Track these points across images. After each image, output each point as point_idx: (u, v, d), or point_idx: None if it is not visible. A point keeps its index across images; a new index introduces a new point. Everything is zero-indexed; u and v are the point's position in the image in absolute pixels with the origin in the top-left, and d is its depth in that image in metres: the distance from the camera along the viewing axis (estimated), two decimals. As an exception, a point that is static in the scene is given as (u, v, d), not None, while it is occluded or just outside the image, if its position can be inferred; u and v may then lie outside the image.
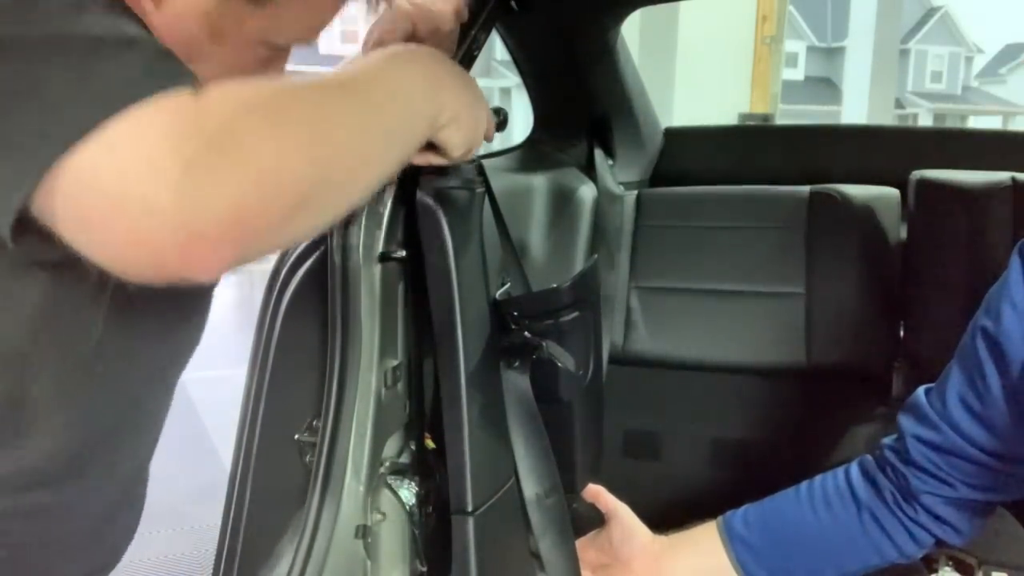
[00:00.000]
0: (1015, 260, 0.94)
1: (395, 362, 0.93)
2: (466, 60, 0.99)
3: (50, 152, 0.49)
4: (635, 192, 1.84)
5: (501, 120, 0.91)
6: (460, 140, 0.80)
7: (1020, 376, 0.92)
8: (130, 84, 0.52)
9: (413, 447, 0.99)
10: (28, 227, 0.53)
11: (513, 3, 1.08)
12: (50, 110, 0.50)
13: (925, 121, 28.46)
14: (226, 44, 0.70)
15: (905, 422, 1.03)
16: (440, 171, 0.92)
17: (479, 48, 1.01)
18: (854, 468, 1.06)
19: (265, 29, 0.71)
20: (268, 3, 0.69)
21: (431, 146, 0.80)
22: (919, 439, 1.00)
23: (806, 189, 1.73)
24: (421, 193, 0.92)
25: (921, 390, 1.03)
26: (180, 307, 0.82)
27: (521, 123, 1.77)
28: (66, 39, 0.52)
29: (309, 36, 0.76)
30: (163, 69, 0.55)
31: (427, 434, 0.99)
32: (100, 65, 0.52)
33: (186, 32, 0.68)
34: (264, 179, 0.54)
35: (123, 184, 0.50)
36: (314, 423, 0.92)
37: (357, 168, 0.64)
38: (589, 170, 1.77)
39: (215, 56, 0.71)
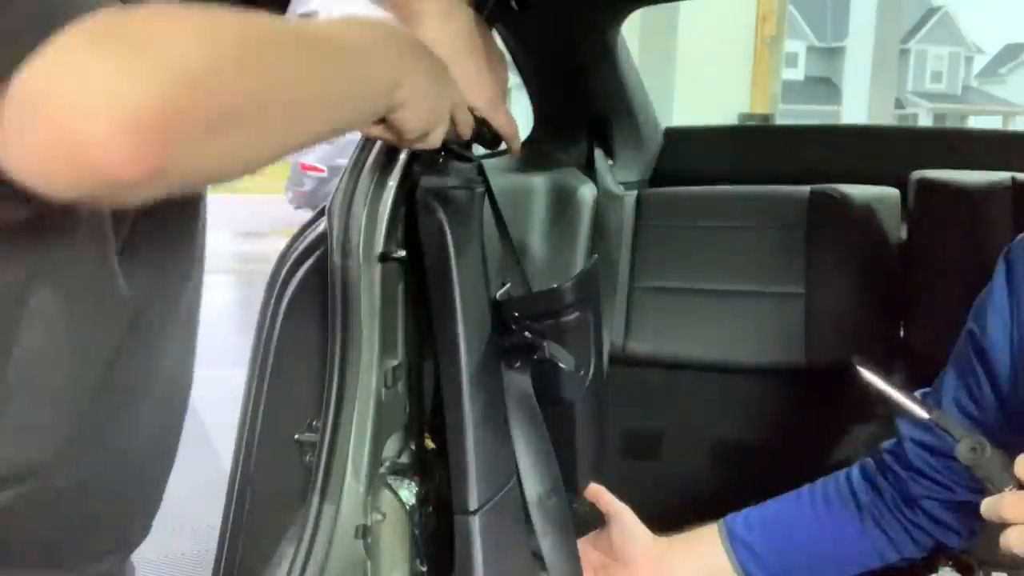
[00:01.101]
0: (1000, 266, 0.94)
1: (395, 362, 0.93)
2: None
3: None
4: (635, 192, 1.84)
5: (491, 136, 0.90)
6: (414, 124, 0.76)
7: (1007, 381, 0.92)
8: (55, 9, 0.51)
9: (413, 447, 0.99)
10: None
11: (513, 3, 1.08)
12: None
13: (925, 121, 28.47)
14: None
15: (903, 426, 1.03)
16: (440, 171, 0.92)
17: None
18: (855, 471, 1.06)
19: None
20: None
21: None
22: (917, 443, 1.00)
23: (806, 189, 1.73)
24: (421, 193, 0.92)
25: (919, 393, 1.04)
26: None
27: (521, 123, 1.77)
28: None
29: None
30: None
31: (427, 434, 0.99)
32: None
33: None
34: (189, 79, 0.52)
35: (46, 86, 0.50)
36: (314, 423, 0.92)
37: (297, 104, 0.62)
38: (589, 170, 1.77)
39: None
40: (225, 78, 0.55)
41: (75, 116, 0.50)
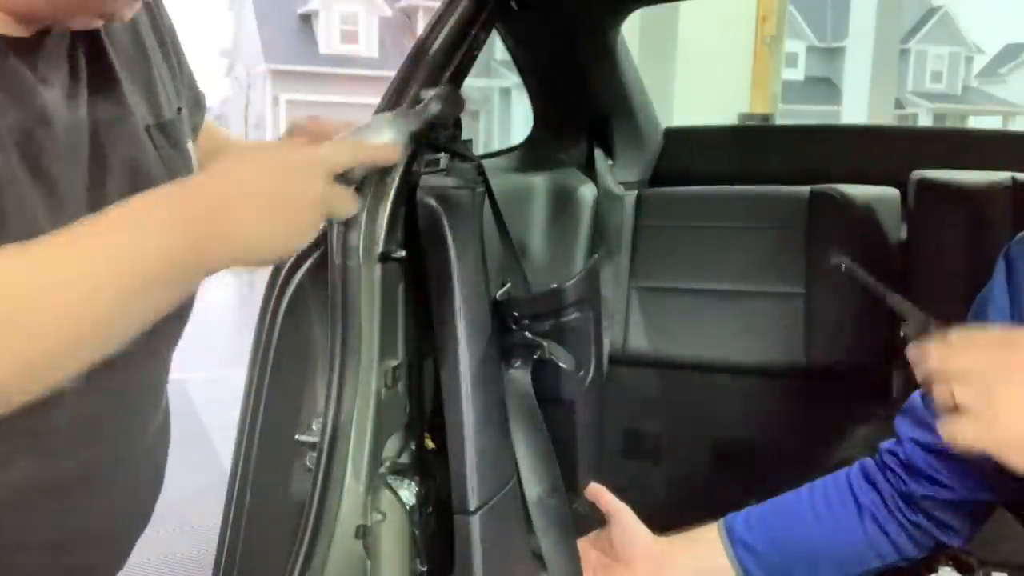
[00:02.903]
0: (1000, 264, 0.94)
1: (395, 362, 0.93)
2: (466, 60, 0.99)
3: None
4: (635, 192, 1.84)
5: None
6: (267, 255, 0.73)
7: None
8: None
9: (413, 447, 0.99)
10: None
11: (513, 3, 1.08)
12: None
13: (925, 121, 28.44)
14: None
15: (902, 425, 1.03)
16: (440, 171, 0.92)
17: (479, 48, 1.01)
18: (855, 471, 1.06)
19: None
20: None
21: None
22: (916, 442, 1.00)
23: (806, 189, 1.73)
24: (421, 193, 0.92)
25: (917, 393, 1.04)
26: None
27: (521, 123, 1.77)
28: None
29: None
30: None
31: (427, 434, 0.99)
32: None
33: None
34: None
35: None
36: (314, 423, 0.92)
37: (79, 349, 0.62)
38: (589, 170, 1.77)
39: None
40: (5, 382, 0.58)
41: None
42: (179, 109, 0.91)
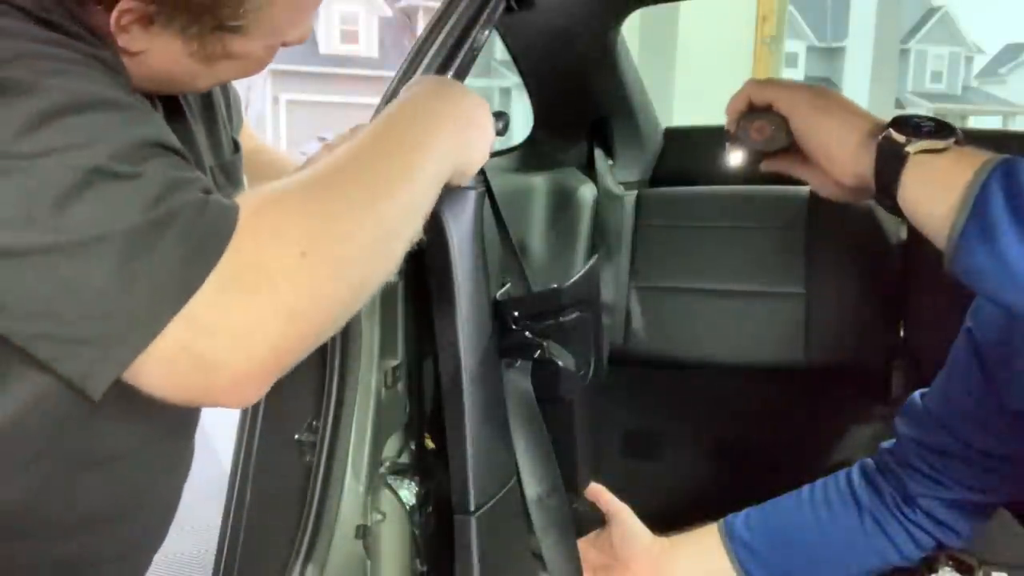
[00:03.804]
0: None
1: (395, 362, 0.93)
2: (466, 60, 0.99)
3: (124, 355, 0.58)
4: (635, 192, 1.83)
5: (503, 126, 0.91)
6: (474, 170, 0.83)
7: (1001, 378, 0.92)
8: (172, 286, 0.58)
9: (413, 447, 0.99)
10: None
11: (513, 3, 1.08)
12: (110, 318, 0.58)
13: (925, 121, 28.35)
14: (219, 64, 0.74)
15: (901, 425, 1.03)
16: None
17: (479, 48, 1.01)
18: (855, 471, 1.07)
19: (251, 43, 0.73)
20: (242, 27, 0.72)
21: None
22: (915, 442, 1.01)
23: (806, 189, 1.73)
24: (421, 193, 0.92)
25: (916, 394, 1.04)
26: None
27: (521, 123, 1.77)
28: (101, 239, 0.57)
29: (300, 34, 0.79)
30: (195, 241, 0.59)
31: (427, 434, 0.99)
32: (142, 269, 0.58)
33: (176, 71, 0.74)
34: (299, 318, 0.61)
35: (183, 338, 0.59)
36: (314, 423, 0.92)
37: (387, 259, 0.69)
38: (589, 170, 1.77)
39: (214, 72, 0.76)
40: (329, 298, 0.63)
41: (205, 369, 0.59)
42: (236, 146, 0.96)
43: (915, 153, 0.74)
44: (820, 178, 0.86)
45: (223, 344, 0.59)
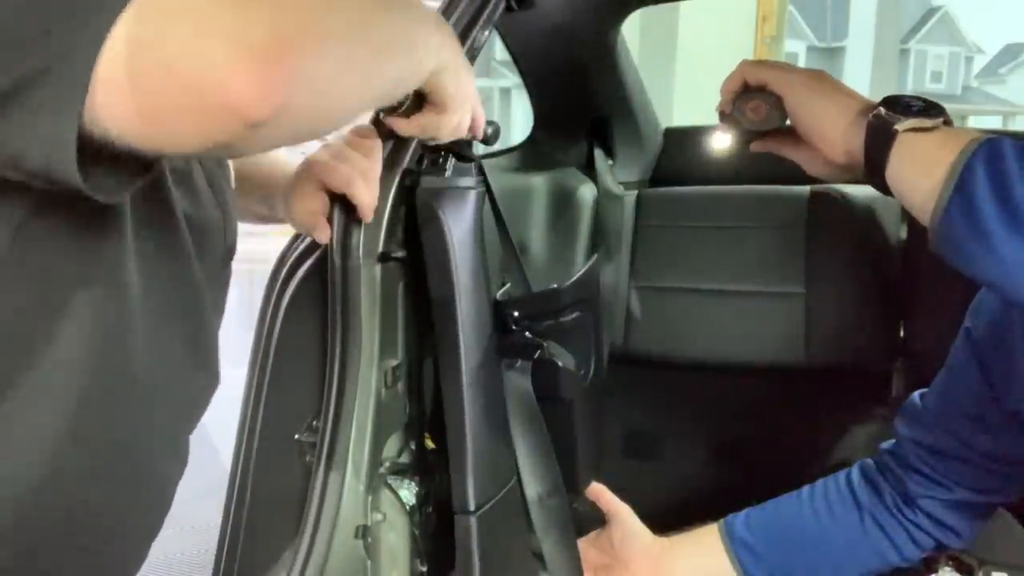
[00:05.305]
0: None
1: (395, 362, 0.93)
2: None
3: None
4: (635, 192, 1.84)
5: (492, 132, 0.91)
6: (452, 90, 0.79)
7: (998, 379, 0.92)
8: None
9: (413, 447, 0.99)
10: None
11: (513, 3, 1.08)
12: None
13: (925, 121, 28.35)
14: None
15: (901, 426, 1.03)
16: (440, 171, 0.92)
17: (479, 48, 1.01)
18: (855, 472, 1.07)
19: None
20: None
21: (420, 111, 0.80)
22: (915, 442, 1.01)
23: (806, 189, 1.73)
24: (421, 193, 0.92)
25: (916, 394, 1.04)
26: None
27: (521, 123, 1.77)
28: None
29: None
30: None
31: (427, 434, 0.99)
32: None
33: None
34: (294, 9, 0.53)
35: (162, 34, 0.49)
36: (314, 423, 0.92)
37: (378, 43, 0.63)
38: (589, 170, 1.77)
39: None
40: (329, 20, 0.56)
41: (196, 58, 0.49)
42: None
43: (904, 131, 0.75)
44: (810, 157, 0.87)
45: (213, 27, 0.50)
